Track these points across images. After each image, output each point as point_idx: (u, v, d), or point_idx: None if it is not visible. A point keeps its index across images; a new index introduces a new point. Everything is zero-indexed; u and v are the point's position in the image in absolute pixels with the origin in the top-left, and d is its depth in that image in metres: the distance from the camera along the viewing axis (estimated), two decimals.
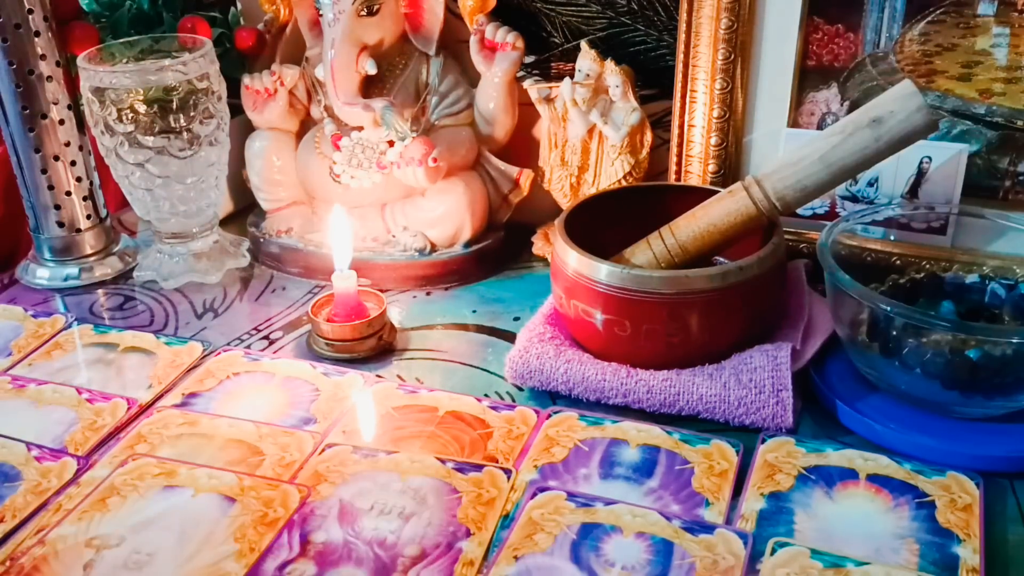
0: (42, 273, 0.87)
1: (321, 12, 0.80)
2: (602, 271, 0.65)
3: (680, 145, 0.79)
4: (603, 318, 0.66)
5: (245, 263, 0.88)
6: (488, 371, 0.72)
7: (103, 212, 0.88)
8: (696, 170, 0.79)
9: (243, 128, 0.88)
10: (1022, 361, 0.58)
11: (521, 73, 0.85)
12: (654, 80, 0.84)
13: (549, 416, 0.65)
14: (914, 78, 0.70)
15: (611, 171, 0.81)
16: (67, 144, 0.83)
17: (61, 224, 0.85)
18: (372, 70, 0.81)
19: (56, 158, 0.83)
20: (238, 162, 0.89)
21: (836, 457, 0.60)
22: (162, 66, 0.78)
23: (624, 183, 0.80)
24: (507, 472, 0.59)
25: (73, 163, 0.84)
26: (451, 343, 0.76)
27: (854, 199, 0.75)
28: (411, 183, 0.81)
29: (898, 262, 0.72)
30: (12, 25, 0.78)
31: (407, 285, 0.84)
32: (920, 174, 0.73)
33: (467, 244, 0.84)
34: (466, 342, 0.76)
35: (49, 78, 0.81)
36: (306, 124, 0.88)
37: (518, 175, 0.85)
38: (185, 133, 0.79)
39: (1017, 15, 0.68)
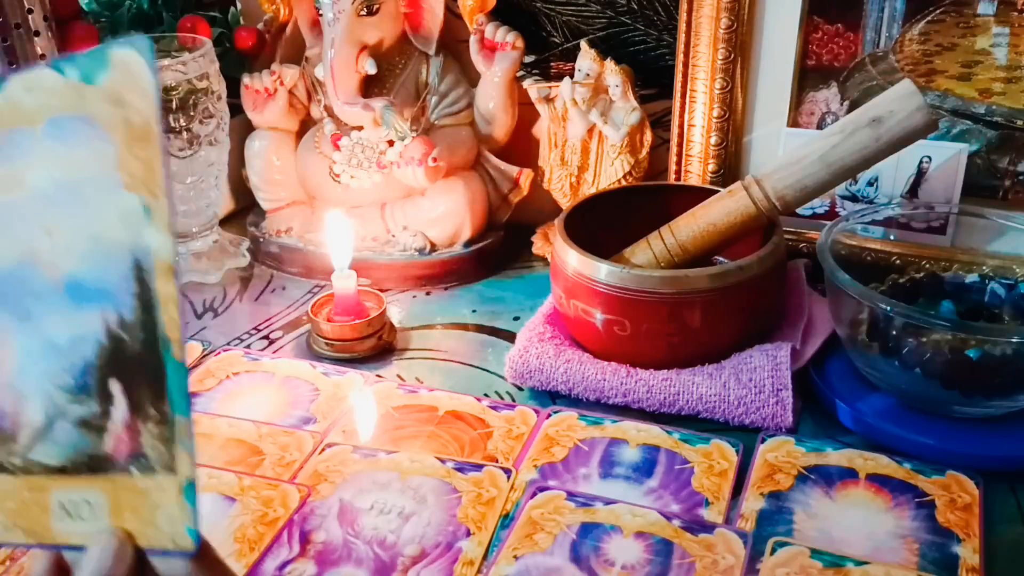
0: None
1: (321, 12, 0.80)
2: (602, 271, 0.64)
3: (680, 145, 0.79)
4: (603, 318, 0.65)
5: (245, 263, 0.88)
6: (488, 371, 0.72)
7: None
8: (696, 170, 0.79)
9: (243, 128, 0.88)
10: (1022, 361, 0.58)
11: (521, 73, 0.85)
12: (654, 80, 0.84)
13: (549, 416, 0.65)
14: (914, 78, 0.70)
15: (611, 171, 0.81)
16: None
17: None
18: (372, 70, 0.81)
19: None
20: (238, 162, 0.89)
21: (836, 457, 0.60)
22: (162, 66, 0.78)
23: (624, 183, 0.80)
24: (507, 472, 0.59)
25: None
26: (451, 343, 0.76)
27: (854, 199, 0.75)
28: (411, 183, 0.81)
29: (898, 262, 0.72)
30: (12, 25, 0.78)
31: (407, 285, 0.84)
32: (920, 174, 0.73)
33: (467, 244, 0.84)
34: (466, 342, 0.76)
35: None
36: (306, 124, 0.88)
37: (518, 175, 0.85)
38: (185, 133, 0.79)
39: (1017, 15, 0.68)
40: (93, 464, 0.34)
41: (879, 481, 0.58)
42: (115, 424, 0.33)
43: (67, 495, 0.34)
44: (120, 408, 0.33)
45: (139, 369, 0.33)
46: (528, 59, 0.85)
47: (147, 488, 0.33)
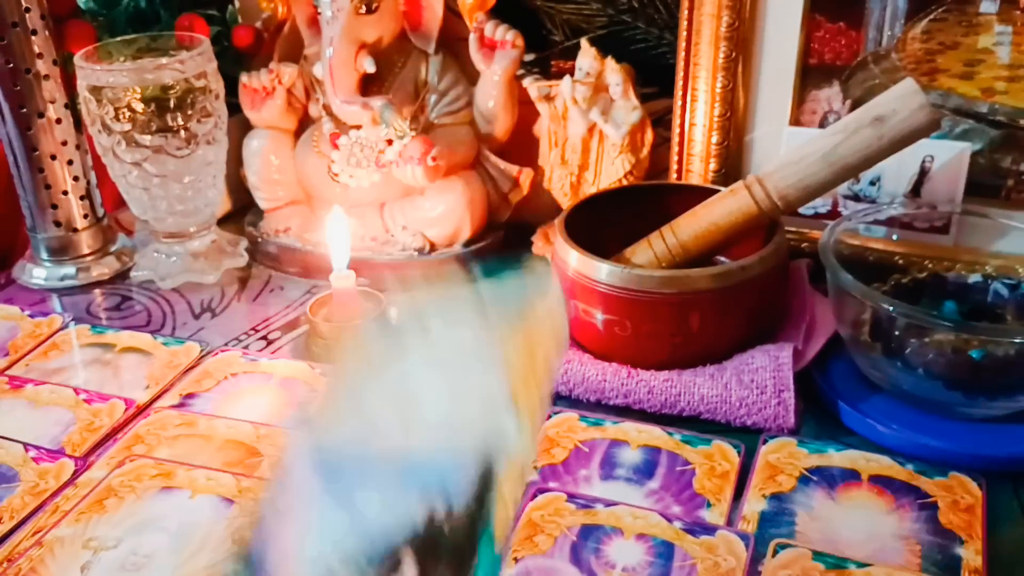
0: (39, 273, 0.86)
1: (319, 10, 0.80)
2: (603, 271, 0.64)
3: (681, 144, 0.78)
4: (603, 318, 0.65)
5: (243, 263, 0.88)
6: None
7: (100, 211, 0.88)
8: (697, 169, 0.78)
9: (241, 127, 0.87)
10: None
11: (521, 71, 0.84)
12: (655, 78, 0.83)
13: (549, 417, 0.64)
14: (916, 76, 0.69)
15: (611, 170, 0.80)
16: (64, 143, 0.83)
17: (58, 224, 0.85)
18: (371, 68, 0.80)
19: (53, 157, 0.83)
20: (236, 161, 0.88)
21: (838, 458, 0.59)
22: (159, 64, 0.78)
23: (625, 182, 0.80)
24: None
25: (70, 162, 0.84)
26: None
27: (856, 198, 0.75)
28: (410, 182, 0.81)
29: (901, 261, 0.72)
30: (9, 23, 0.78)
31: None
32: (922, 173, 0.72)
33: (467, 243, 0.84)
34: None
35: (46, 77, 0.80)
36: (304, 123, 0.88)
37: (518, 174, 0.85)
38: (183, 132, 0.79)
39: (1019, 13, 0.68)
40: None
41: (881, 482, 0.57)
42: None
43: None
44: None
45: (446, 553, 0.30)
46: (528, 57, 0.85)
47: None
